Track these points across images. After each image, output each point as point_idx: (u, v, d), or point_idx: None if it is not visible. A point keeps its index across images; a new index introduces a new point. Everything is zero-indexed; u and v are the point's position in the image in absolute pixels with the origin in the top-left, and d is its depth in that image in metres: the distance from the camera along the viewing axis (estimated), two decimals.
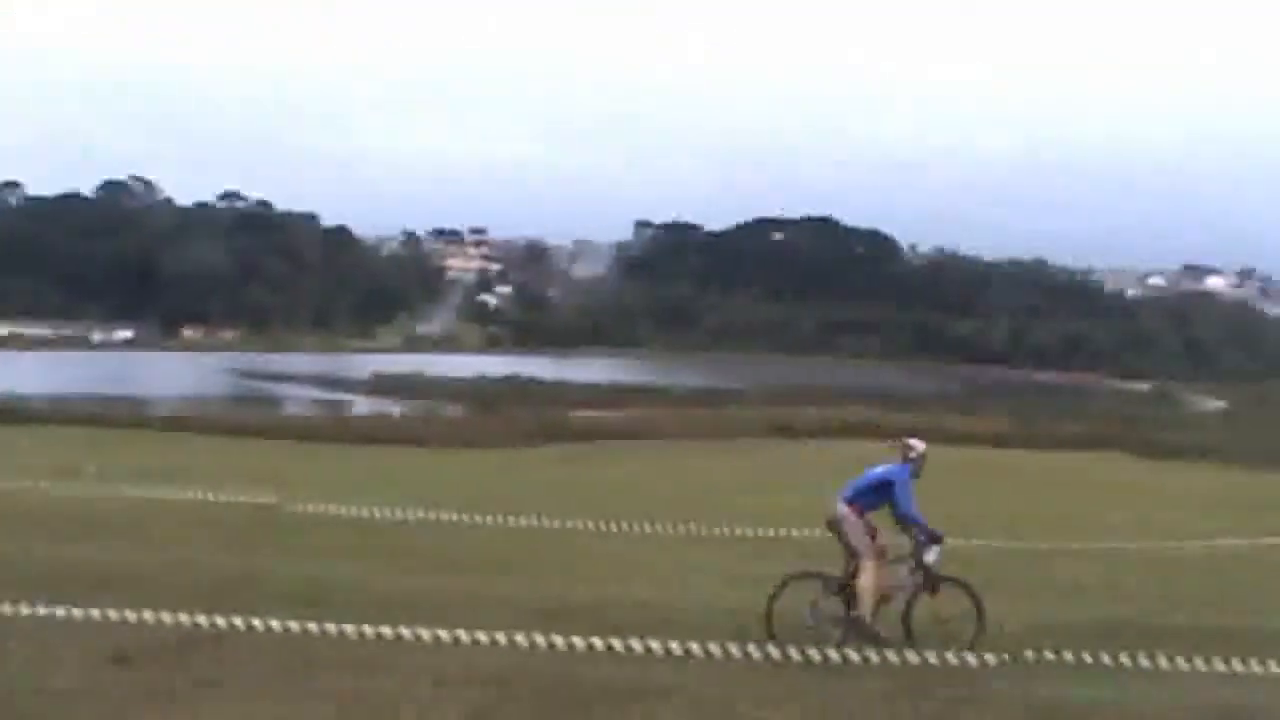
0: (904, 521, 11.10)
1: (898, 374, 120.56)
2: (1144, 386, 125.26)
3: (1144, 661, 10.04)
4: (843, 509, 11.14)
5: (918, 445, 11.35)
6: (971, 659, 8.85)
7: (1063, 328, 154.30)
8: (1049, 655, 10.06)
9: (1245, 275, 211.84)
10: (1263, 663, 7.59)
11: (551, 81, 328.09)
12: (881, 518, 11.09)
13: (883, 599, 11.07)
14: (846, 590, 11.06)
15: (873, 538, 11.09)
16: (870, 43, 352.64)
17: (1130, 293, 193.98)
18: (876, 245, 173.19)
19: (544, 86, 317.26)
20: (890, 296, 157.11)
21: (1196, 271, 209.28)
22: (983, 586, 11.13)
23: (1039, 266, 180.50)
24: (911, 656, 8.39)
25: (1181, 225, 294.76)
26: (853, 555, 11.02)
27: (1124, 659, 10.23)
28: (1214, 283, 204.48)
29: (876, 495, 11.17)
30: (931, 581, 11.12)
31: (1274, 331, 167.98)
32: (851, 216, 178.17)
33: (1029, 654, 9.56)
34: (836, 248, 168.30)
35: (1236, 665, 8.36)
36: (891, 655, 9.43)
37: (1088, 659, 10.16)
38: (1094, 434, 61.85)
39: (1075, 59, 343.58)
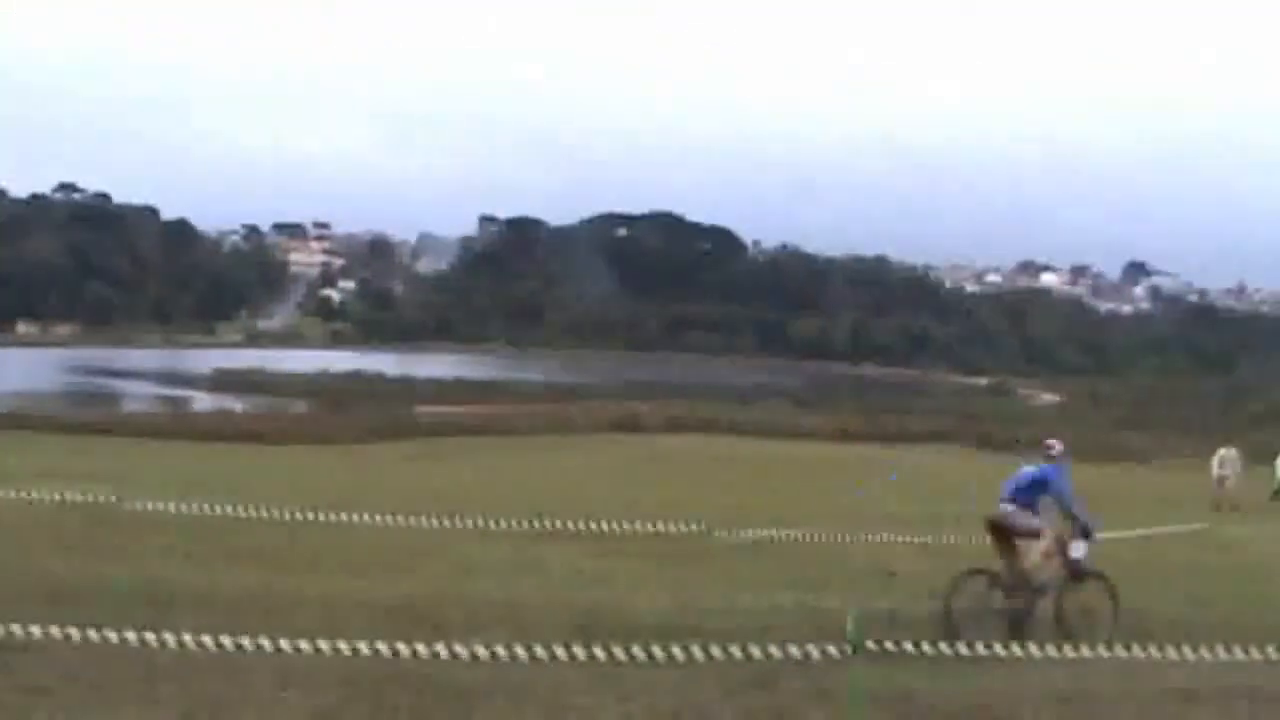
0: (1067, 513, 12.30)
1: (742, 371, 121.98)
2: (982, 382, 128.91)
3: (981, 649, 10.29)
4: (1007, 506, 12.29)
5: (1056, 445, 12.76)
6: (815, 651, 8.99)
7: (903, 324, 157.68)
8: (890, 646, 10.24)
9: (1078, 272, 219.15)
10: (1093, 648, 7.89)
11: (395, 76, 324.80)
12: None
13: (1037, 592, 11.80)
14: (1010, 588, 11.75)
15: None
16: (709, 39, 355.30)
17: (969, 289, 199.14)
18: (721, 242, 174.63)
19: (388, 80, 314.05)
20: (735, 293, 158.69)
21: (1031, 269, 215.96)
22: (822, 581, 11.31)
23: (880, 264, 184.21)
24: (755, 650, 8.51)
25: (1017, 224, 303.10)
26: (1027, 536, 12.04)
27: (962, 648, 10.47)
28: (1049, 280, 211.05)
29: (1031, 493, 12.37)
30: (1078, 575, 11.95)
31: (1106, 328, 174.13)
32: (697, 213, 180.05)
33: (870, 644, 9.73)
34: (682, 244, 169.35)
35: (1068, 651, 8.65)
36: (745, 650, 9.56)
37: (927, 649, 10.38)
38: (935, 428, 63.44)
39: (914, 61, 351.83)
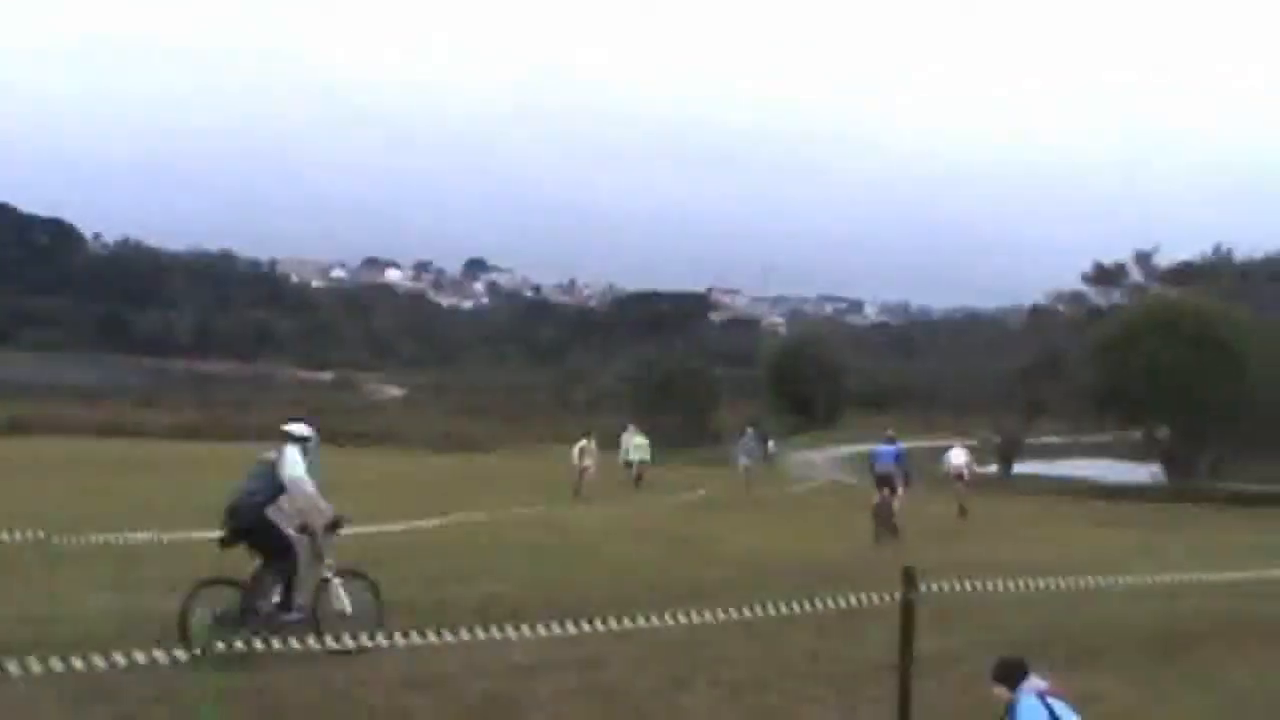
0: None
1: (81, 367, 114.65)
2: (327, 376, 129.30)
3: (332, 643, 10.30)
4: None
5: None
6: (162, 656, 8.61)
7: (247, 319, 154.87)
8: (241, 645, 10.03)
9: (422, 268, 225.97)
10: (562, 624, 8.26)
11: None
12: None
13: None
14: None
15: None
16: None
17: (315, 284, 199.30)
18: (57, 234, 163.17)
19: None
20: (74, 288, 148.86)
21: (377, 265, 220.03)
22: (168, 583, 10.82)
23: (225, 258, 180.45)
24: (98, 660, 8.03)
25: (362, 221, 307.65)
26: None
27: (312, 642, 10.46)
28: (393, 276, 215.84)
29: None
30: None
31: (447, 322, 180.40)
32: (35, 205, 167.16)
33: (220, 644, 9.48)
34: (14, 236, 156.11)
35: (415, 638, 8.90)
36: (86, 660, 8.97)
37: (278, 645, 10.26)
38: (275, 424, 62.91)
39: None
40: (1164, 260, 75.20)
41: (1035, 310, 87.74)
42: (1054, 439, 71.18)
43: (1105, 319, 64.38)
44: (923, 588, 9.00)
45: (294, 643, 8.26)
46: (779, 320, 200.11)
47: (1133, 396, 54.31)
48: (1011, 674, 7.22)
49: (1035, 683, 7.15)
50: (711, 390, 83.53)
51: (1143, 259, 74.55)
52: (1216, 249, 77.26)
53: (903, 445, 27.06)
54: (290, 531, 11.39)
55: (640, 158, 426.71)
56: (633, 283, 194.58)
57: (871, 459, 27.38)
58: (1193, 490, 50.54)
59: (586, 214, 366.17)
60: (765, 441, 61.54)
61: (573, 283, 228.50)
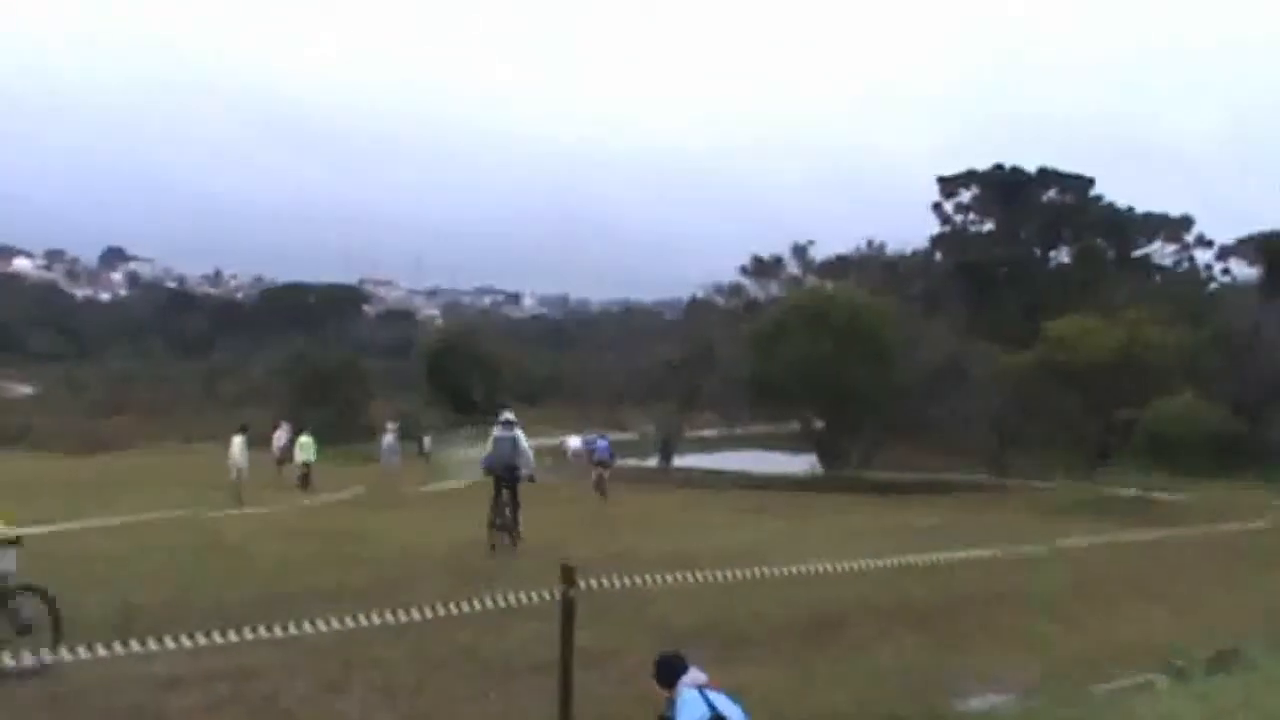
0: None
1: None
2: None
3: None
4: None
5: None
6: None
7: None
8: None
9: (54, 257, 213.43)
10: (208, 634, 7.96)
11: None
12: None
13: None
14: None
15: None
16: None
17: None
18: None
19: None
20: None
21: (5, 253, 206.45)
22: None
23: None
24: None
25: None
26: None
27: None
28: (21, 264, 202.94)
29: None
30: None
31: (83, 313, 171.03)
32: None
33: None
34: None
35: (47, 655, 8.55)
36: None
37: None
38: None
39: None
40: (819, 254, 78.93)
41: (694, 303, 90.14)
42: (711, 432, 73.36)
43: (760, 311, 66.77)
44: (581, 583, 9.23)
45: None
46: (435, 313, 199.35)
47: (783, 387, 56.40)
48: (671, 671, 7.32)
49: (695, 676, 7.26)
50: (364, 384, 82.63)
51: (799, 252, 78.01)
52: (870, 243, 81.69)
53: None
54: None
55: (290, 147, 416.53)
56: (283, 274, 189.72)
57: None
58: (846, 479, 52.85)
59: (231, 203, 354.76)
60: (421, 438, 61.38)
61: (218, 273, 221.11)
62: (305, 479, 38.43)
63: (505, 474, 20.75)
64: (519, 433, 20.88)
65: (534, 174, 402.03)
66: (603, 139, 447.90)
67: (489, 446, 21.02)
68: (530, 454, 21.13)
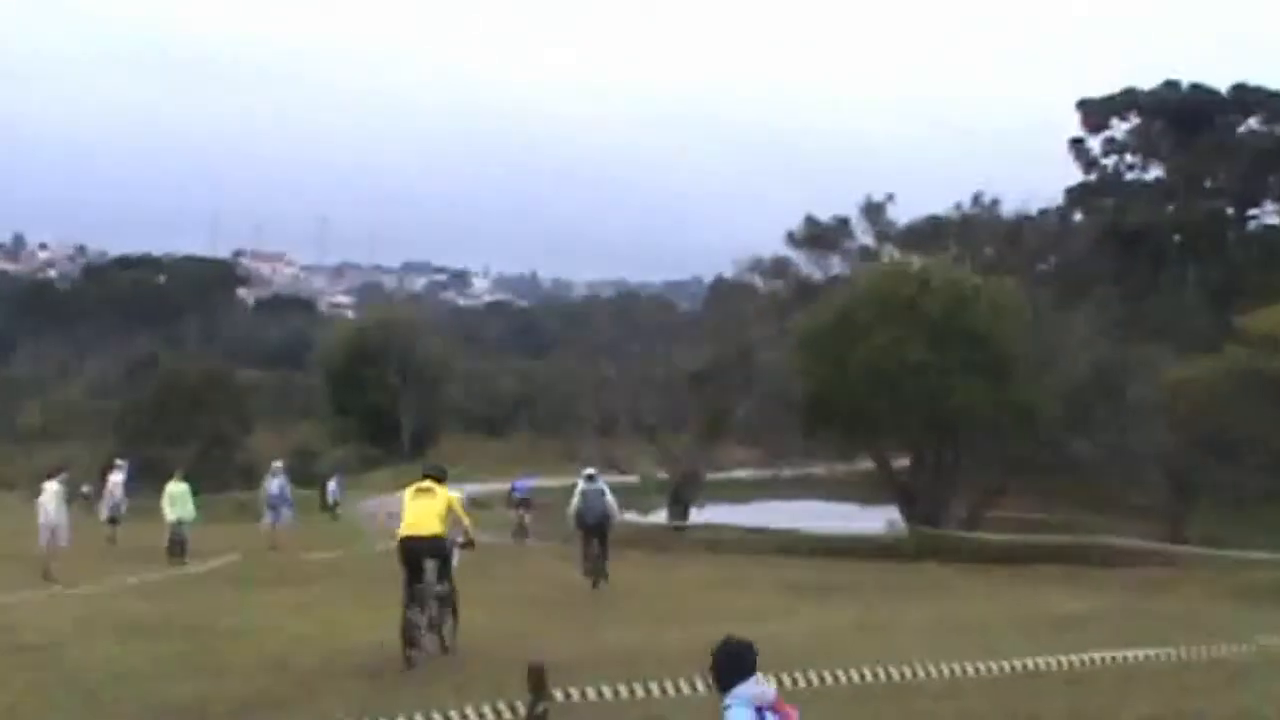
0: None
1: None
2: None
3: None
4: None
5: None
6: None
7: None
8: None
9: None
10: None
11: None
12: None
13: None
14: None
15: None
16: None
17: None
18: None
19: None
20: None
21: None
22: None
23: None
24: None
25: None
26: None
27: None
28: None
29: None
30: None
31: None
32: None
33: None
34: None
35: None
36: None
37: None
38: None
39: None
40: (902, 215, 76.54)
41: (720, 286, 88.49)
42: (746, 473, 72.45)
43: (817, 297, 65.01)
44: (557, 693, 9.07)
45: None
46: (345, 300, 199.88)
47: (852, 409, 54.07)
48: (734, 667, 7.99)
49: (757, 689, 7.91)
50: (239, 404, 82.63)
51: (873, 211, 75.08)
52: (977, 199, 77.61)
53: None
54: None
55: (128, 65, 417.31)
56: (118, 243, 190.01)
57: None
58: (946, 543, 49.62)
59: (38, 136, 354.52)
60: (324, 483, 61.30)
61: (19, 241, 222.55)
62: (180, 545, 37.74)
63: (597, 527, 30.84)
64: (604, 484, 31.92)
65: (486, 113, 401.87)
66: (588, 72, 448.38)
67: (576, 500, 31.22)
68: (615, 503, 31.77)
